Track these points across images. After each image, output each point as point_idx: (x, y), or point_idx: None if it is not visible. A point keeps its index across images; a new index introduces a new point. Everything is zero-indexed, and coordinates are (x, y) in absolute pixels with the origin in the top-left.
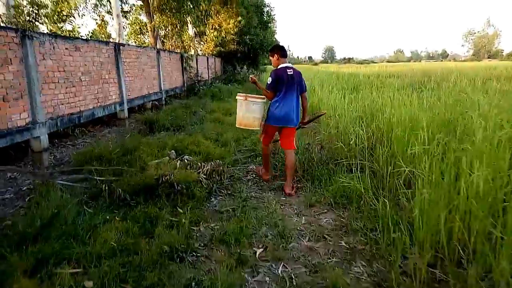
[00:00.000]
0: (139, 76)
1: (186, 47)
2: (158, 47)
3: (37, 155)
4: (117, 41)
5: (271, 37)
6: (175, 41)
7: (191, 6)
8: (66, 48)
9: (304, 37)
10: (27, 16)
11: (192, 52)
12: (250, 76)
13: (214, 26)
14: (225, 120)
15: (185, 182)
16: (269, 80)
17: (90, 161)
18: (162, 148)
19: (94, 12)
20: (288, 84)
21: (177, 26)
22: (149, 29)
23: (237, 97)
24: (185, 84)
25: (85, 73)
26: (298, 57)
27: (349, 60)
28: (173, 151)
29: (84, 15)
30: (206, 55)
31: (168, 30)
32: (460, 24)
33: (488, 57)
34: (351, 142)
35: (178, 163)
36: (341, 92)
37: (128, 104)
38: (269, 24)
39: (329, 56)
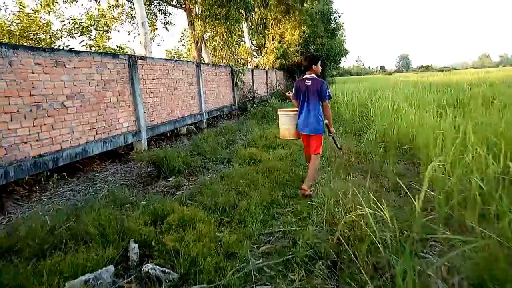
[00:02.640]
0: (168, 95)
1: (243, 60)
2: (207, 61)
3: None
4: (143, 54)
5: (339, 46)
6: (225, 54)
7: (243, 13)
8: (38, 64)
9: (376, 46)
10: None
11: (249, 66)
12: (287, 93)
13: (274, 37)
14: (262, 159)
15: None
16: (291, 91)
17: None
18: (125, 234)
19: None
20: (305, 94)
21: (224, 36)
22: (191, 40)
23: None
24: (236, 102)
25: (73, 97)
26: (369, 67)
27: (427, 68)
28: (136, 246)
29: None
30: (266, 68)
31: (217, 41)
32: None
33: None
34: None
35: None
36: (446, 112)
37: (148, 133)
38: (337, 32)
39: (404, 64)
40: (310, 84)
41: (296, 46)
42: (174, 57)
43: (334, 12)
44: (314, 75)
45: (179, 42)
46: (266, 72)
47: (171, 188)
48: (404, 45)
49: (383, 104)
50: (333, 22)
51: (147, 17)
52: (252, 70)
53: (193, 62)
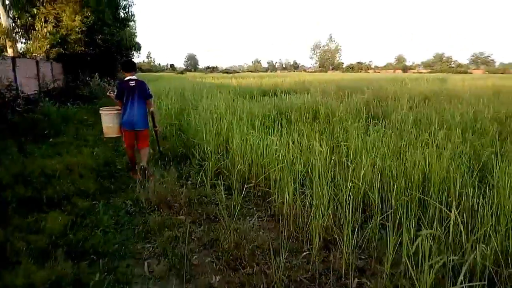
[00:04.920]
0: None
1: None
2: None
3: None
4: None
5: (131, 39)
6: None
7: None
8: None
9: (165, 44)
10: None
11: (10, 53)
12: (108, 93)
13: (47, 19)
14: None
15: None
16: (115, 91)
17: None
18: None
19: None
20: (130, 93)
21: None
22: None
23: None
24: None
25: None
26: (159, 64)
27: (213, 70)
28: None
29: None
30: (38, 58)
31: None
32: (307, 38)
33: (332, 69)
34: None
35: None
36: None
37: None
38: (128, 23)
39: (192, 64)
40: (134, 84)
41: (78, 33)
42: None
43: None
44: (135, 76)
45: None
46: (37, 63)
47: None
48: (191, 45)
49: (204, 117)
50: (122, 11)
51: None
52: (13, 59)
53: None
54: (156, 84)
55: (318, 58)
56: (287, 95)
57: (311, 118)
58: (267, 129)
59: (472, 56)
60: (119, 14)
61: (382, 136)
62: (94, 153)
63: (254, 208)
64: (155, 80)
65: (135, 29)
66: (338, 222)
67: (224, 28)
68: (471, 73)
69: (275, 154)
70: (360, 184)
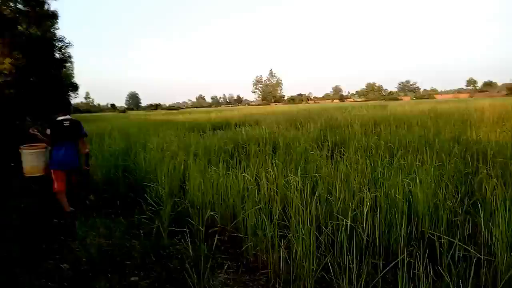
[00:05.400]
0: None
1: None
2: None
3: None
4: None
5: (68, 80)
6: None
7: None
8: None
9: (105, 84)
10: None
11: None
12: (30, 130)
13: None
14: None
15: None
16: (48, 131)
17: None
18: None
19: None
20: (64, 133)
21: None
22: None
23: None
24: None
25: None
26: (99, 104)
27: (156, 107)
28: None
29: None
30: None
31: None
32: (250, 73)
33: (274, 102)
34: None
35: None
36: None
37: None
38: (64, 64)
39: (134, 103)
40: (68, 124)
41: (7, 76)
42: None
43: (60, 40)
44: (69, 116)
45: None
46: None
47: None
48: (132, 84)
49: (154, 156)
50: (58, 52)
51: None
52: None
53: None
54: (95, 124)
55: (261, 92)
56: (240, 127)
57: (271, 150)
58: (225, 164)
59: (400, 84)
60: (55, 55)
61: (350, 164)
62: (23, 205)
63: (224, 258)
64: (92, 120)
65: (72, 70)
66: (330, 269)
67: (165, 66)
68: (401, 99)
69: (241, 192)
70: (349, 222)
